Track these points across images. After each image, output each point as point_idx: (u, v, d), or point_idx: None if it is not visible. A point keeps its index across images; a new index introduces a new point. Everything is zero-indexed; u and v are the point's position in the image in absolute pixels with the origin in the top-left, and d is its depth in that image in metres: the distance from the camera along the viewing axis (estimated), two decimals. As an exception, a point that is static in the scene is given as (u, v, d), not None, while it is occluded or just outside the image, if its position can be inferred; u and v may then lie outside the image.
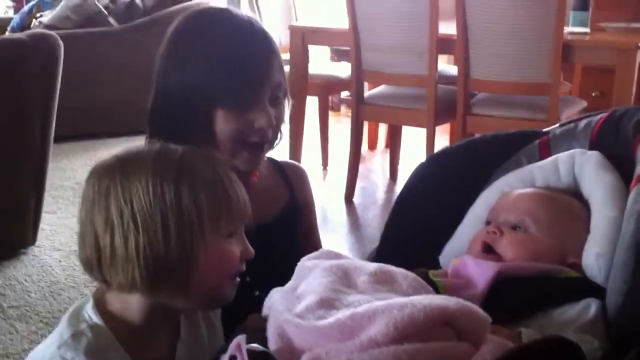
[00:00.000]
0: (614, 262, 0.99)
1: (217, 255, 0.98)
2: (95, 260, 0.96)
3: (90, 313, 1.00)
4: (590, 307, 0.97)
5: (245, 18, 1.22)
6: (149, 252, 0.93)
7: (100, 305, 1.01)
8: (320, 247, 1.41)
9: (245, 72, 1.17)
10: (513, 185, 1.20)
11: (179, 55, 1.21)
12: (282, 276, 1.03)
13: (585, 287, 1.01)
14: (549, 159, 1.22)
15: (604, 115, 1.20)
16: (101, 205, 0.95)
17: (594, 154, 1.16)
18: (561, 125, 1.28)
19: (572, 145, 1.22)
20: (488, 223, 1.15)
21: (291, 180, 1.41)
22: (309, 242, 1.41)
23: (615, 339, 0.91)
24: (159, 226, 0.93)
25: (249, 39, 1.20)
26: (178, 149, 1.00)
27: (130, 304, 0.99)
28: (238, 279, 1.03)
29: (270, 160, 1.41)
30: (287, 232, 1.36)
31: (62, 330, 0.99)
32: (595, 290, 1.01)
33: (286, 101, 1.27)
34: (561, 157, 1.19)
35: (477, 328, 0.83)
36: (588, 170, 1.14)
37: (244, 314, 0.97)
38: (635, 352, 0.86)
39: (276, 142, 1.28)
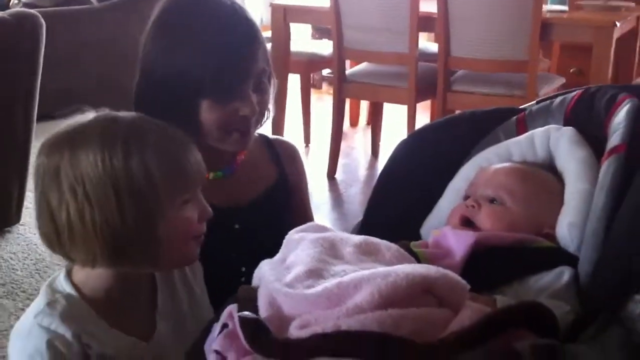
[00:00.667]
0: (585, 232, 1.03)
1: (175, 222, 0.98)
2: (54, 237, 0.96)
3: (63, 284, 1.02)
4: (563, 274, 1.01)
5: (229, 4, 1.22)
6: (106, 227, 0.93)
7: (70, 276, 1.03)
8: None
9: (229, 66, 1.18)
10: (491, 161, 1.24)
11: (163, 43, 1.21)
12: (271, 252, 1.04)
13: (559, 256, 1.05)
14: (525, 134, 1.25)
15: (578, 92, 1.24)
16: (53, 184, 0.94)
17: (568, 130, 1.19)
18: (537, 103, 1.32)
19: (548, 122, 1.25)
20: (467, 197, 1.19)
21: (281, 157, 1.42)
22: (301, 219, 1.40)
23: (586, 304, 0.96)
24: (112, 200, 0.93)
25: (233, 29, 1.20)
26: (126, 119, 0.99)
27: (93, 274, 1.00)
28: (202, 237, 1.04)
29: (261, 136, 1.41)
30: (276, 209, 1.38)
31: (38, 301, 1.01)
32: (568, 258, 1.05)
33: (272, 84, 1.28)
34: (537, 133, 1.23)
35: (456, 295, 0.87)
36: (562, 145, 1.18)
37: (232, 288, 0.99)
38: (603, 317, 0.90)
39: (263, 120, 1.30)
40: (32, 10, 2.68)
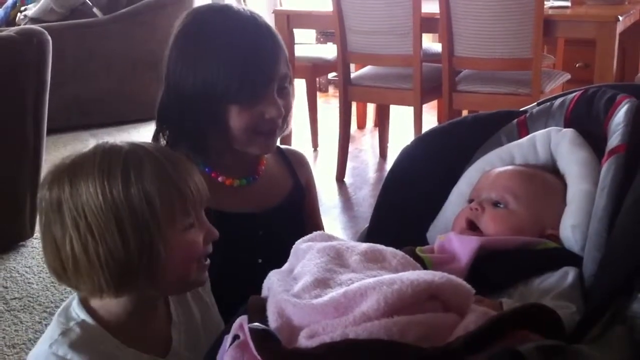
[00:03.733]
0: (588, 233, 1.04)
1: (179, 247, 0.98)
2: (61, 270, 0.96)
3: (77, 311, 1.02)
4: (568, 274, 1.02)
5: (248, 14, 1.27)
6: (110, 258, 0.93)
7: (86, 301, 1.03)
8: (323, 228, 1.48)
9: (254, 69, 1.23)
10: (494, 164, 1.25)
11: (189, 56, 1.25)
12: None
13: (563, 257, 1.07)
14: (527, 137, 1.26)
15: (577, 93, 1.25)
16: (56, 218, 0.95)
17: (569, 131, 1.21)
18: (538, 104, 1.33)
19: (548, 124, 1.27)
20: (471, 201, 1.20)
21: (293, 165, 1.47)
22: (312, 224, 1.47)
23: (591, 303, 0.97)
24: (115, 232, 0.93)
25: (256, 36, 1.25)
26: (124, 148, 0.98)
27: (109, 299, 1.01)
28: (208, 261, 1.05)
29: None
30: (293, 214, 1.43)
31: (52, 329, 1.01)
32: (572, 259, 1.06)
33: (292, 89, 1.33)
34: (538, 135, 1.24)
35: (461, 299, 0.89)
36: (563, 147, 1.19)
37: (258, 292, 1.02)
38: (609, 316, 0.91)
39: (286, 126, 1.34)
40: (38, 27, 2.72)
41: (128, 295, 1.00)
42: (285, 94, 1.30)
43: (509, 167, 1.22)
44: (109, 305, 1.02)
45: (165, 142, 1.31)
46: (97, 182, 0.93)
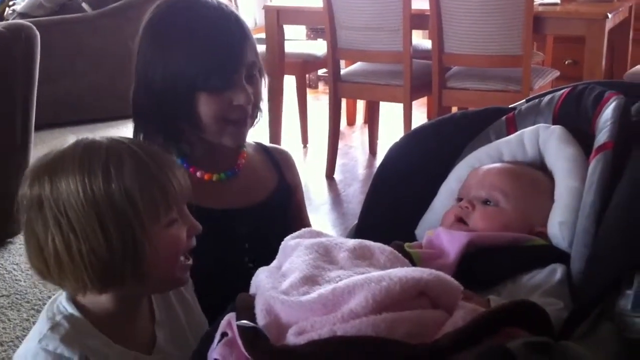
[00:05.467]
0: (576, 230, 1.05)
1: (163, 243, 0.97)
2: (44, 268, 0.95)
3: (65, 305, 1.01)
4: (556, 271, 1.02)
5: (215, 3, 1.27)
6: (93, 256, 0.92)
7: (73, 296, 1.02)
8: (310, 227, 1.47)
9: (221, 56, 1.23)
10: (482, 161, 1.25)
11: (157, 47, 1.26)
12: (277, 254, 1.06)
13: (551, 254, 1.07)
14: (515, 134, 1.26)
15: (565, 90, 1.25)
16: (38, 217, 0.94)
17: (557, 128, 1.21)
18: (527, 101, 1.33)
19: (537, 120, 1.27)
20: (459, 199, 1.20)
21: (279, 163, 1.46)
22: (299, 223, 1.45)
23: (579, 300, 0.97)
24: (97, 229, 0.92)
25: (222, 24, 1.25)
26: (103, 144, 0.97)
27: (97, 295, 1.00)
28: (190, 261, 1.04)
29: (257, 144, 1.47)
30: (279, 212, 1.42)
31: (40, 324, 1.00)
32: (560, 256, 1.06)
33: (262, 79, 1.33)
34: (526, 132, 1.24)
35: (450, 296, 0.89)
36: (552, 144, 1.19)
37: (245, 290, 1.01)
38: (597, 312, 0.92)
39: (257, 118, 1.34)
40: (26, 22, 2.70)
41: (113, 292, 0.99)
42: (255, 82, 1.30)
43: (497, 165, 1.22)
44: (96, 299, 1.01)
45: (141, 136, 1.29)
46: (77, 179, 0.92)
